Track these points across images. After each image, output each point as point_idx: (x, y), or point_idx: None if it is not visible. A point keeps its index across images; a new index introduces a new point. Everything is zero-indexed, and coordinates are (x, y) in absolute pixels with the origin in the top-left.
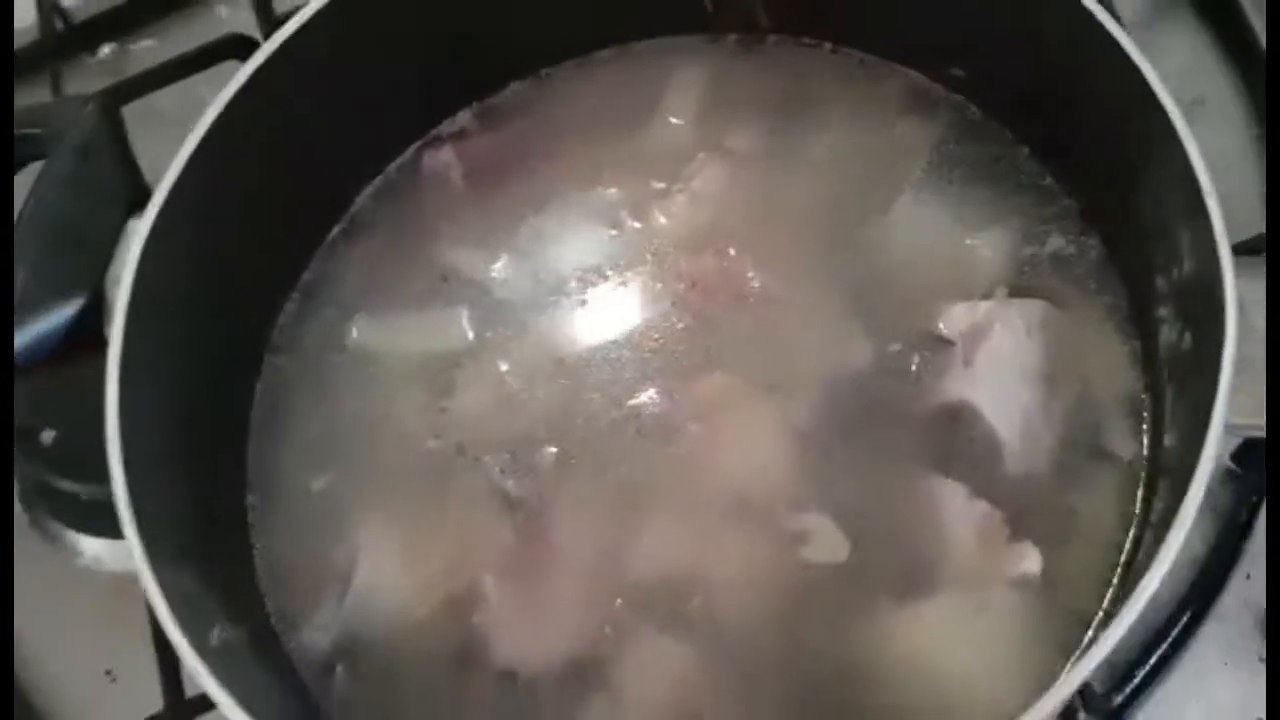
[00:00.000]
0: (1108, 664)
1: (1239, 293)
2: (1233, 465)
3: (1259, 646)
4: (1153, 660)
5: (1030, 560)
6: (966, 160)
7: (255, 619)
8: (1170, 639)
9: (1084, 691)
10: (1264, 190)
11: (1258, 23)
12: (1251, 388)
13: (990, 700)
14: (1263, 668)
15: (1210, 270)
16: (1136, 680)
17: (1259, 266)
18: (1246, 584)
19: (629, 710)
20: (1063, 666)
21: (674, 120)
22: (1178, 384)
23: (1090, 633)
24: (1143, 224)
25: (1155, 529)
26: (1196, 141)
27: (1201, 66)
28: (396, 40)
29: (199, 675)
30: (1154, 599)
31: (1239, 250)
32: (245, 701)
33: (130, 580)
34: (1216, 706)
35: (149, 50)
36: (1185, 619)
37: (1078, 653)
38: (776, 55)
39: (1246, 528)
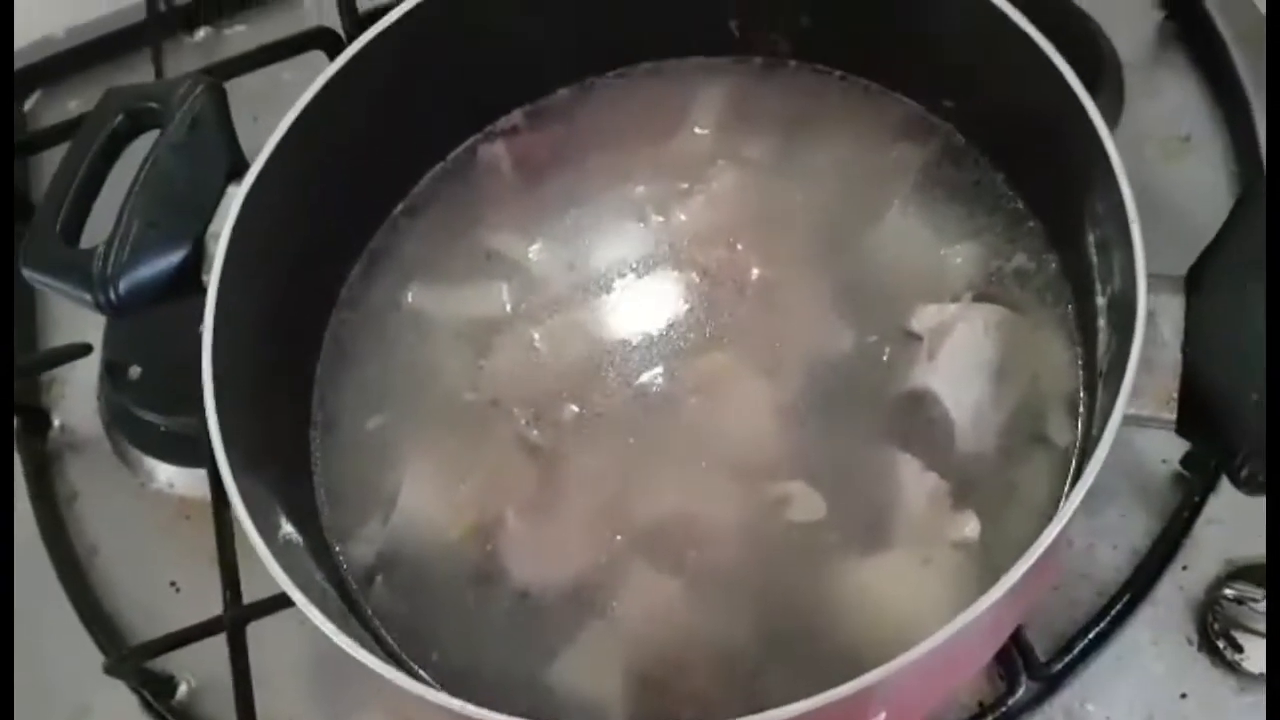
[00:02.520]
0: (1051, 635)
1: (1153, 307)
2: (1181, 469)
3: (1188, 630)
4: (1091, 635)
5: (970, 526)
6: (950, 181)
7: (311, 530)
8: (1109, 618)
9: (1027, 658)
10: None
11: (1243, 69)
12: (1154, 388)
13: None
14: (1189, 649)
15: (1130, 286)
16: (1075, 652)
17: (1179, 287)
18: (1183, 574)
19: (620, 629)
20: None
21: (699, 130)
22: (1105, 384)
23: None
24: (1089, 246)
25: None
26: (1179, 174)
27: (1190, 106)
28: (462, 48)
29: (266, 561)
30: (1097, 582)
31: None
32: (304, 589)
33: (196, 504)
34: (1145, 680)
35: (240, 35)
36: (1124, 601)
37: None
38: (793, 78)
39: (1188, 525)
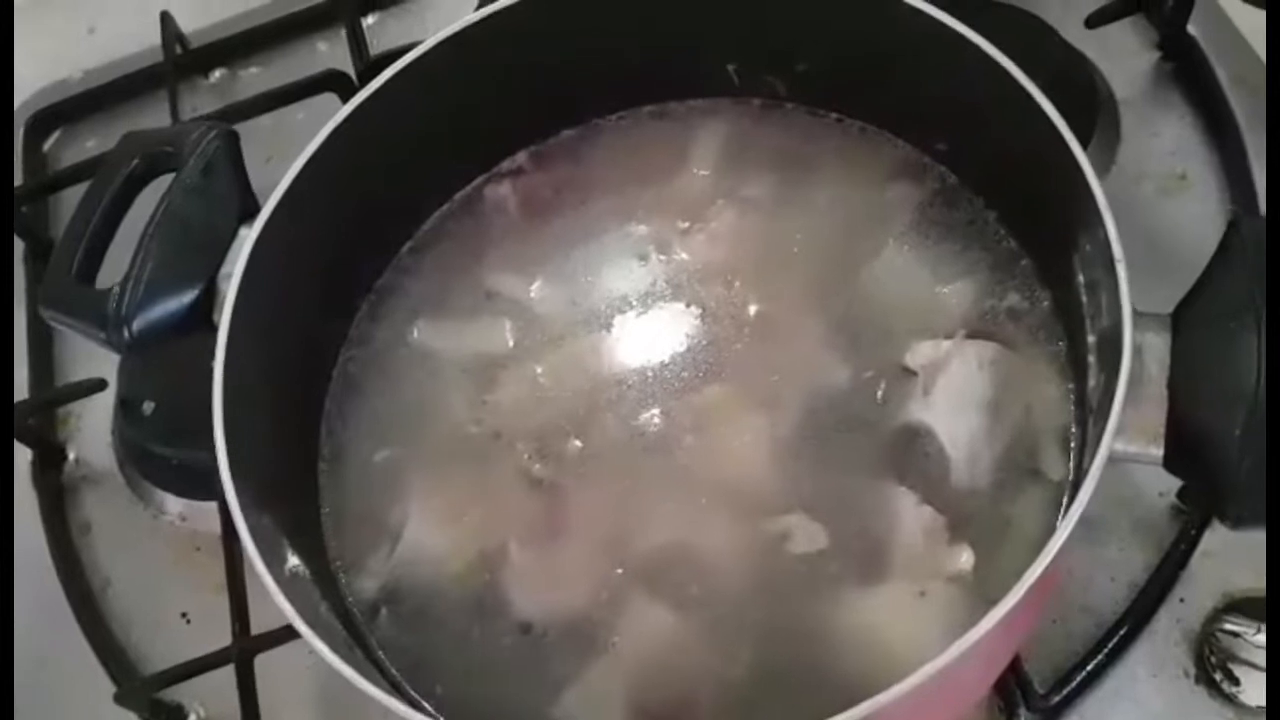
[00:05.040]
0: (1050, 667)
1: (1140, 344)
2: (1177, 502)
3: (1185, 663)
4: (1089, 667)
5: (965, 559)
6: (944, 221)
7: (318, 563)
8: (1107, 650)
9: (1025, 690)
10: None
11: (1238, 108)
12: (1140, 424)
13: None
14: (1186, 681)
15: (1117, 324)
16: (1073, 684)
17: (1165, 325)
18: (1180, 606)
19: (623, 664)
20: None
21: (699, 171)
22: (1095, 420)
23: None
24: (1079, 285)
25: None
26: (1174, 211)
27: (1186, 145)
28: (470, 91)
29: (275, 595)
30: (1095, 615)
31: None
32: (309, 623)
33: (207, 537)
34: (1143, 713)
35: (255, 76)
36: (1122, 633)
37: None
38: (790, 120)
39: (1185, 557)
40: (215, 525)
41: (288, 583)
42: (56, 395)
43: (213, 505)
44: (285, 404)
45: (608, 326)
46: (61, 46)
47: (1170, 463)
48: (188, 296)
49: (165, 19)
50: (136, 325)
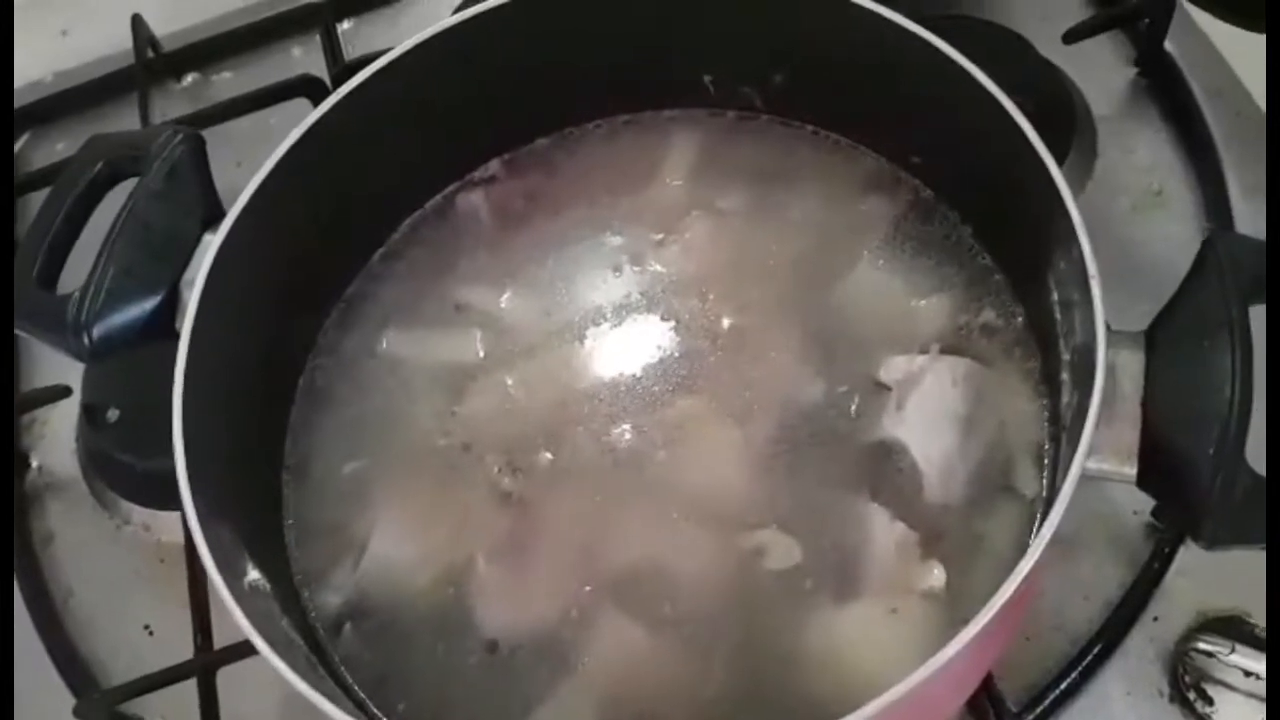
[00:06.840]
0: (1023, 685)
1: (1114, 361)
2: (1152, 520)
3: (1160, 682)
4: (1063, 686)
5: (937, 577)
6: (919, 235)
7: (280, 576)
8: (1080, 668)
9: (998, 709)
10: None
11: (1214, 124)
12: (1114, 442)
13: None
14: (1160, 701)
15: (1090, 341)
16: (1047, 702)
17: (1139, 343)
18: (1154, 625)
19: (591, 681)
20: None
21: (673, 181)
22: (1069, 437)
23: None
24: (1053, 301)
25: None
26: (1150, 228)
27: (1162, 161)
28: (443, 98)
29: (231, 610)
30: (1069, 633)
31: None
32: (267, 638)
33: (171, 548)
34: None
35: (227, 81)
36: (1095, 651)
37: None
38: (766, 132)
39: (1160, 576)
40: (180, 536)
41: (247, 596)
42: (20, 402)
43: (178, 515)
44: (249, 413)
45: (580, 338)
46: (34, 48)
47: (1144, 481)
48: (149, 303)
49: (137, 22)
50: (97, 332)
